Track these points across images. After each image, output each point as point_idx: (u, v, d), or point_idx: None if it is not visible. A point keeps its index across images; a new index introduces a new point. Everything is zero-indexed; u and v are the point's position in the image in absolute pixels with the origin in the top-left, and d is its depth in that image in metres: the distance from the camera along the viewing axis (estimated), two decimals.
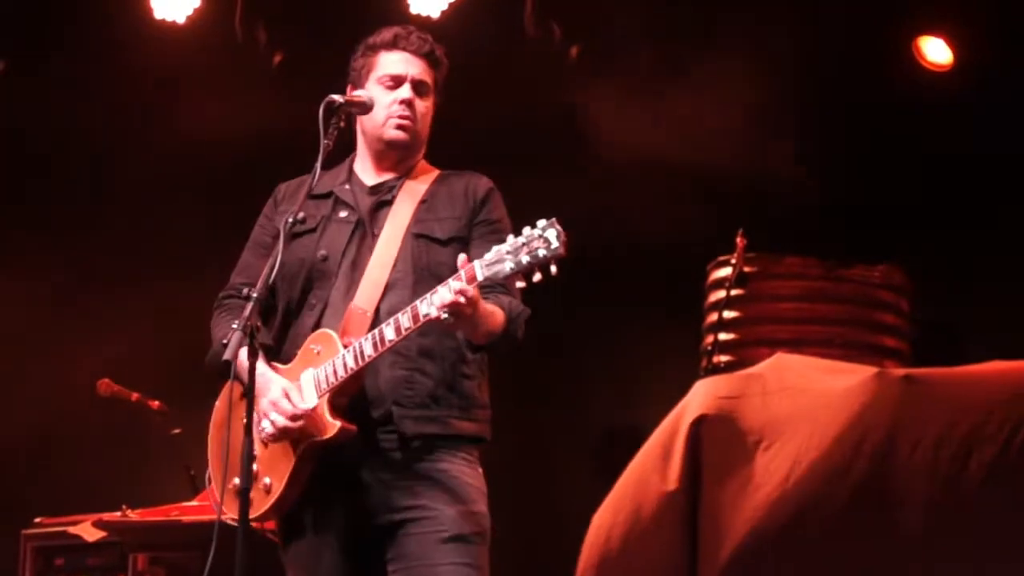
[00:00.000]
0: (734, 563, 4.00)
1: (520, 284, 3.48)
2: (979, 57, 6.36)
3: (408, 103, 3.86)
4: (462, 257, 3.51)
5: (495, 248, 3.45)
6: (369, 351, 3.62)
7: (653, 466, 4.43)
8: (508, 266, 3.40)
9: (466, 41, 6.46)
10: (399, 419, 3.69)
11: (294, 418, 3.66)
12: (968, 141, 6.24)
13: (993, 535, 3.83)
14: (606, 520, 4.06)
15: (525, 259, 3.39)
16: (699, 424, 4.42)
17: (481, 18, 6.72)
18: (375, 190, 3.91)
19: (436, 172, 3.96)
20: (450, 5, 6.65)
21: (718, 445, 4.41)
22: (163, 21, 6.87)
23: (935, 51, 6.48)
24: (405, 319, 3.56)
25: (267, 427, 3.69)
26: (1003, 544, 3.81)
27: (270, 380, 3.70)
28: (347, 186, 3.92)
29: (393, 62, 3.89)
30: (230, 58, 6.96)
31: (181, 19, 6.87)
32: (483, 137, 6.41)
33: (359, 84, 3.92)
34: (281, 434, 3.69)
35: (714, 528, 4.18)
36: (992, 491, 3.86)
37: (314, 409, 3.68)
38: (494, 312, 3.67)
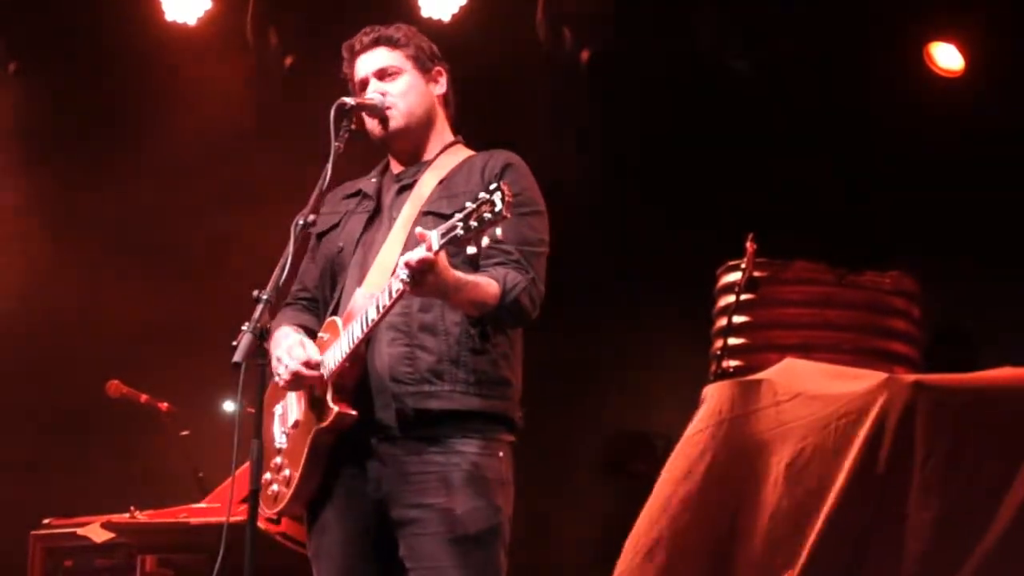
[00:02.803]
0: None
1: (484, 241, 3.37)
2: (990, 63, 6.35)
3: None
4: (419, 230, 3.48)
5: (454, 215, 3.42)
6: (358, 333, 3.62)
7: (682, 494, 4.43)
8: (459, 232, 3.37)
9: (477, 45, 6.49)
10: (398, 396, 3.66)
11: (308, 365, 3.65)
12: (979, 146, 6.23)
13: (1001, 552, 3.81)
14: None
15: (473, 224, 3.35)
16: (722, 460, 4.42)
17: (492, 22, 6.73)
18: (400, 177, 3.92)
19: (468, 154, 3.94)
20: (461, 9, 6.66)
21: (741, 470, 4.42)
22: (174, 23, 6.88)
23: (946, 57, 6.47)
24: (384, 296, 3.56)
25: (282, 372, 3.67)
26: (1011, 558, 3.79)
27: (289, 334, 3.74)
28: (374, 180, 3.95)
29: (357, 69, 3.93)
30: (241, 60, 6.98)
31: (192, 21, 6.89)
32: (493, 139, 6.42)
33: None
34: (295, 380, 3.67)
35: (744, 546, 4.18)
36: (1004, 510, 3.84)
37: (323, 394, 3.68)
38: (478, 282, 3.60)
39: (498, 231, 3.34)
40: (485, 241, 3.36)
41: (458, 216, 3.37)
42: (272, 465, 3.77)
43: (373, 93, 3.86)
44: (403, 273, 3.43)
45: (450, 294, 3.56)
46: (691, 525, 4.39)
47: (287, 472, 3.71)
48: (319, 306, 3.92)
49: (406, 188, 3.87)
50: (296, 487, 3.70)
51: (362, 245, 3.83)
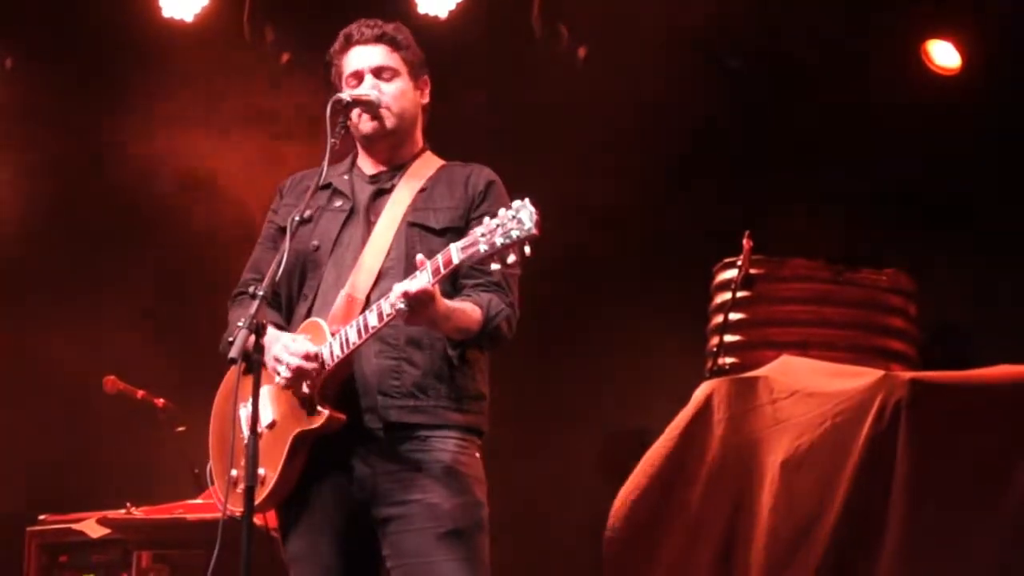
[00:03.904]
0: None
1: (510, 259, 3.40)
2: (987, 61, 6.35)
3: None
4: (419, 257, 3.49)
5: (472, 231, 3.44)
6: (354, 338, 3.63)
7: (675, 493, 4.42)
8: (482, 248, 3.39)
9: (473, 42, 6.48)
10: (384, 408, 3.69)
11: (307, 357, 3.64)
12: (976, 144, 6.24)
13: (1002, 549, 3.81)
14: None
15: (499, 240, 3.37)
16: (720, 461, 4.41)
17: (488, 19, 6.72)
18: (375, 179, 3.92)
19: (440, 163, 3.96)
20: (458, 5, 6.65)
21: (738, 469, 4.42)
22: (171, 19, 6.88)
23: (943, 55, 6.47)
24: (386, 306, 3.57)
25: (282, 371, 3.66)
26: (1012, 557, 3.79)
27: (278, 336, 3.71)
28: (346, 176, 3.94)
29: (351, 60, 3.91)
30: (237, 56, 6.98)
31: (189, 17, 6.88)
32: (488, 134, 6.42)
33: (339, 91, 3.91)
34: (296, 376, 3.65)
35: (745, 544, 4.18)
36: (1003, 507, 3.83)
37: (308, 396, 3.68)
38: (464, 309, 3.65)
39: (527, 249, 3.35)
40: (511, 259, 3.37)
41: (479, 231, 3.39)
42: (242, 464, 3.68)
43: (370, 89, 3.86)
44: (400, 303, 3.46)
45: (439, 323, 3.60)
46: (694, 526, 4.40)
47: (261, 471, 3.67)
48: (279, 299, 3.88)
49: (384, 192, 3.87)
50: (273, 487, 3.70)
51: (339, 245, 3.82)
